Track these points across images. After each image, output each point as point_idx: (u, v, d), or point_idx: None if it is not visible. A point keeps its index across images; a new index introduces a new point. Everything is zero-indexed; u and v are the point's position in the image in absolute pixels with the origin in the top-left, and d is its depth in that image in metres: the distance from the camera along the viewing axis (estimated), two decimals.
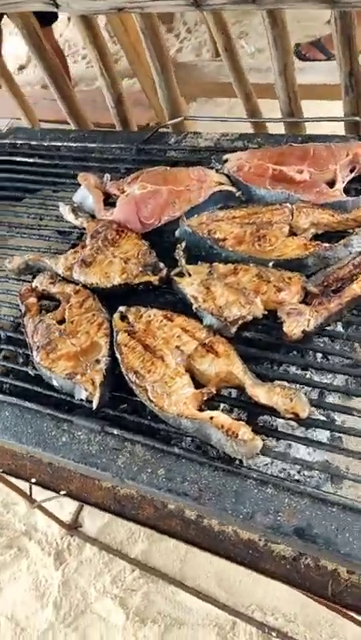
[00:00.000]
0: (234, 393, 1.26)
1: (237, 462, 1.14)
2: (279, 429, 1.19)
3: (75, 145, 2.00)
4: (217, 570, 2.38)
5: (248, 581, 2.36)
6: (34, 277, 1.60)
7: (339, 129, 1.82)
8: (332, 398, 1.28)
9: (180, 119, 1.94)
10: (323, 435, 1.23)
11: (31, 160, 2.02)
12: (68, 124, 2.37)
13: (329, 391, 1.24)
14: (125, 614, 2.43)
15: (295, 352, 1.30)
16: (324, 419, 1.25)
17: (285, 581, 1.35)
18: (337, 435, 1.19)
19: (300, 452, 1.18)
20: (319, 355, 1.30)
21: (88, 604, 2.49)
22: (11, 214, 1.89)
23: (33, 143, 2.09)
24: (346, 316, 1.28)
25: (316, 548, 1.00)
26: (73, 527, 2.59)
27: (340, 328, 1.35)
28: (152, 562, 2.52)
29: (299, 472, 1.15)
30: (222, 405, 1.24)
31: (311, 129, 1.90)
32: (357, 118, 1.72)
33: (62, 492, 1.59)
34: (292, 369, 1.28)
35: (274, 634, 2.27)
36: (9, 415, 1.38)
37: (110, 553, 2.58)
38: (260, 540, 1.35)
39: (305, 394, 1.23)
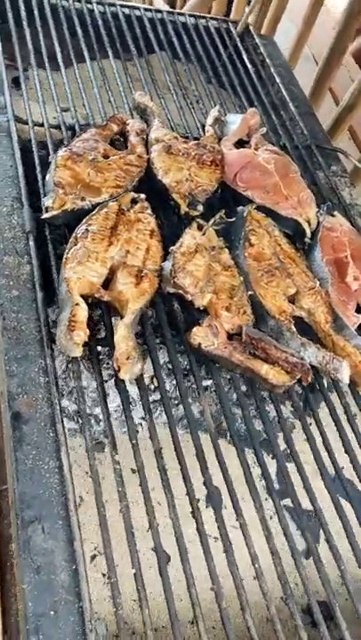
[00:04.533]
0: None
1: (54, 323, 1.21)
2: (105, 372, 1.26)
3: (284, 94, 2.03)
4: None
5: None
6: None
7: None
8: (159, 413, 1.34)
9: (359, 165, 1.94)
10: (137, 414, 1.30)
11: (249, 66, 2.07)
12: None
13: (161, 404, 1.29)
14: None
15: (181, 353, 1.34)
16: (141, 412, 1.31)
17: None
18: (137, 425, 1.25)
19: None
20: (187, 374, 1.34)
21: None
22: (188, 79, 1.95)
23: (268, 61, 2.13)
24: (234, 374, 1.31)
25: (11, 435, 1.08)
26: None
27: (223, 377, 1.38)
28: None
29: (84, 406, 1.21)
30: (98, 313, 1.31)
31: None
32: None
33: None
34: (164, 357, 1.33)
35: None
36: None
37: None
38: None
39: (151, 387, 1.30)
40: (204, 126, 1.78)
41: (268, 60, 2.12)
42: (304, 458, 1.26)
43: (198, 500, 1.12)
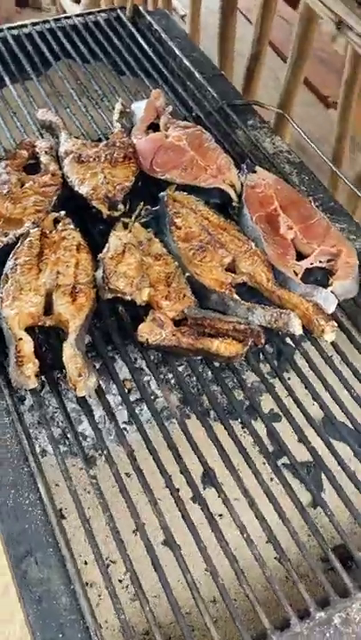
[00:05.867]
0: None
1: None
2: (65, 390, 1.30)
3: (187, 64, 2.01)
4: None
5: None
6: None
7: None
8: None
9: (278, 111, 1.92)
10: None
11: (146, 47, 2.06)
12: None
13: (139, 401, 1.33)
14: None
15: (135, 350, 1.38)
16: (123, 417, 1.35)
17: None
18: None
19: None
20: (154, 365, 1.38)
21: None
22: (89, 80, 1.96)
23: (163, 36, 2.11)
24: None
25: None
26: None
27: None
28: None
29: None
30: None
31: None
32: None
33: None
34: (119, 363, 1.37)
35: None
36: None
37: None
38: None
39: (124, 383, 1.35)
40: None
41: (164, 35, 2.11)
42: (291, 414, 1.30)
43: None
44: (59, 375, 1.32)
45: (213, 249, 1.45)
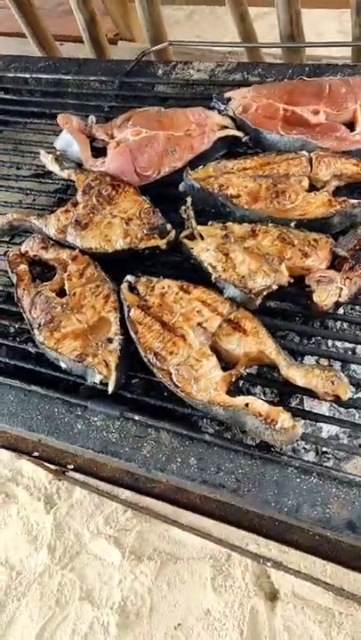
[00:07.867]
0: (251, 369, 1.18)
1: (274, 449, 1.07)
2: (314, 410, 1.13)
3: (46, 77, 1.77)
4: None
5: None
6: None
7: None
8: None
9: (164, 45, 1.73)
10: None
11: None
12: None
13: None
14: (121, 553, 2.44)
15: (324, 322, 1.22)
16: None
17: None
18: None
19: (338, 434, 1.13)
20: (354, 325, 1.22)
21: (83, 545, 2.49)
22: None
23: None
24: None
25: None
26: (60, 472, 2.55)
27: None
28: (143, 503, 2.53)
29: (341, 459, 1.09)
30: (242, 382, 1.17)
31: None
32: None
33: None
34: (324, 342, 1.20)
35: (269, 564, 2.33)
36: (13, 399, 1.27)
37: (101, 495, 2.56)
38: None
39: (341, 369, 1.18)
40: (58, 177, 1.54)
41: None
42: None
43: None
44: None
45: (286, 185, 1.28)
